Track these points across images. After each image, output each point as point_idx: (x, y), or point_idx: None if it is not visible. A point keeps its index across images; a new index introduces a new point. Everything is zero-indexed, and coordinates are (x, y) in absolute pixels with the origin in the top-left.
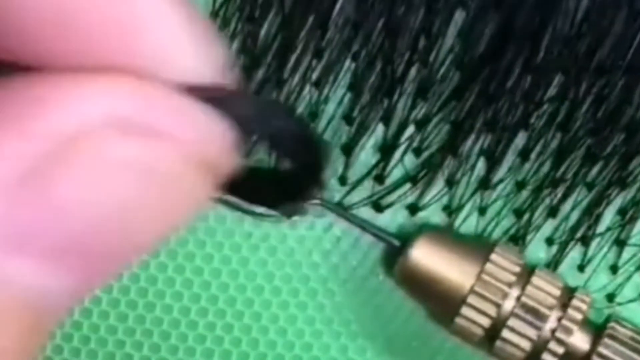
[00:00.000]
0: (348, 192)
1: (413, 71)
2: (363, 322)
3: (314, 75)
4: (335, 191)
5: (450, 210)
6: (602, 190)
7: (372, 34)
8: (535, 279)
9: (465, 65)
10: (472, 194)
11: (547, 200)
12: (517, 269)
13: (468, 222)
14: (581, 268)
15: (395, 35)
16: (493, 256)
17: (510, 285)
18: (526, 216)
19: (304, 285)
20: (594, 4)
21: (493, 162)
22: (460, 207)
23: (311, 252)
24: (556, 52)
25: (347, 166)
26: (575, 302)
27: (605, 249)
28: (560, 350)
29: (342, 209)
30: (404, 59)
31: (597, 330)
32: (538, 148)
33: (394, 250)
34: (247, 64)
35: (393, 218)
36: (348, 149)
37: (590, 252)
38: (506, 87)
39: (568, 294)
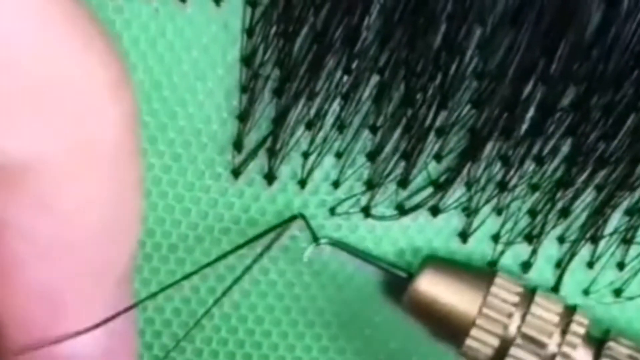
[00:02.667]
0: (373, 196)
1: (434, 83)
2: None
3: (343, 89)
4: (360, 195)
5: (469, 212)
6: (610, 193)
7: (396, 49)
8: (534, 307)
9: (484, 76)
10: (490, 197)
11: (559, 202)
12: (517, 299)
13: (485, 224)
14: (590, 265)
15: (418, 50)
16: (493, 288)
17: (510, 315)
18: (540, 216)
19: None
20: (606, 17)
21: (510, 166)
22: (478, 209)
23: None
24: (569, 63)
25: (372, 172)
26: (573, 325)
27: (613, 247)
28: None
29: (349, 246)
30: (426, 72)
31: (598, 347)
32: (551, 153)
33: (400, 281)
34: (281, 77)
35: (414, 218)
36: (373, 156)
37: (599, 250)
38: (522, 96)
39: (568, 316)
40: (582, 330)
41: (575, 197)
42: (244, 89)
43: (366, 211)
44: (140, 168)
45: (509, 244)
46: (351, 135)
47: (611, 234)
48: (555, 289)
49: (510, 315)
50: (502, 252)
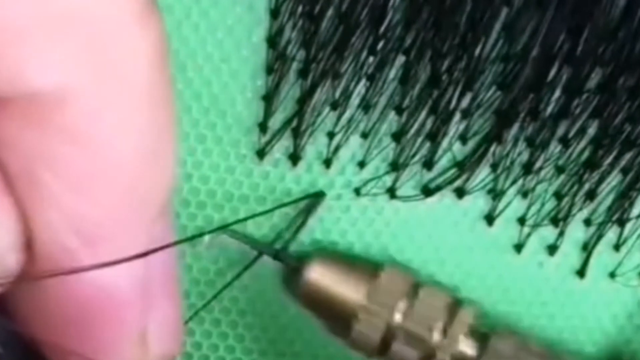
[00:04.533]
0: (398, 177)
1: (460, 64)
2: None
3: (369, 70)
4: (386, 176)
5: (495, 194)
6: (637, 175)
7: (422, 30)
8: (422, 294)
9: (509, 58)
10: (516, 179)
11: (586, 184)
12: (405, 287)
13: (511, 207)
14: (617, 247)
15: (443, 31)
16: (382, 275)
17: (397, 302)
18: (566, 199)
19: None
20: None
21: (535, 148)
22: (504, 192)
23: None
24: (595, 45)
25: (397, 153)
26: (460, 314)
27: (639, 230)
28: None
29: (243, 236)
30: (451, 53)
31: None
32: (578, 135)
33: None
34: (306, 58)
35: (440, 200)
36: (398, 137)
37: (625, 233)
38: (548, 78)
39: (454, 307)
40: (466, 321)
41: (601, 180)
42: (269, 69)
43: (392, 192)
44: (172, 95)
45: (535, 226)
46: (377, 116)
47: (638, 217)
48: (582, 272)
49: (396, 303)
50: (528, 235)
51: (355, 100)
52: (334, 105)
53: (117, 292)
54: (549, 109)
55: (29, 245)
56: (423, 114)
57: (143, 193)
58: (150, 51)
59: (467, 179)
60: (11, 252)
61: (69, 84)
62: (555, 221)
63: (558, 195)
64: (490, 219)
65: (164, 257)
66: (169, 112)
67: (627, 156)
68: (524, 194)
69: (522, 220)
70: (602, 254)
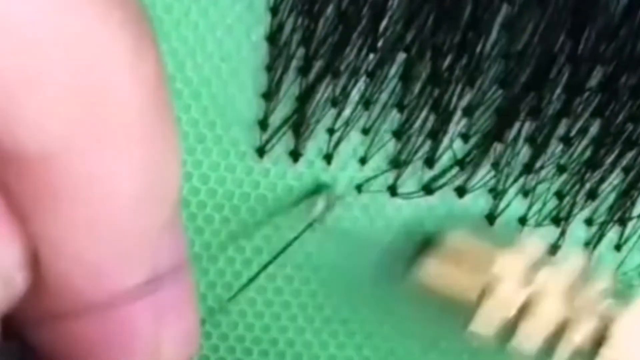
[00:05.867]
0: (399, 175)
1: (461, 62)
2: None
3: (369, 67)
4: (387, 174)
5: (496, 193)
6: (638, 174)
7: (422, 28)
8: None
9: (510, 56)
10: (517, 178)
11: (587, 184)
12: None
13: (512, 206)
14: (618, 247)
15: (444, 28)
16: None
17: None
18: (567, 198)
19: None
20: None
21: (536, 147)
22: (505, 190)
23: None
24: (597, 43)
25: (398, 151)
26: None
27: None
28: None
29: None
30: (452, 51)
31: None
32: (579, 134)
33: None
34: (306, 56)
35: (442, 199)
36: (399, 135)
37: (627, 232)
38: (549, 77)
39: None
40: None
41: (603, 179)
42: (268, 67)
43: (393, 190)
44: (172, 124)
45: (536, 226)
46: (377, 113)
47: (639, 216)
48: None
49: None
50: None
51: (355, 97)
52: (334, 103)
53: (129, 319)
54: (551, 108)
55: (35, 262)
56: (424, 111)
57: (147, 221)
58: (143, 94)
59: (468, 178)
60: (18, 272)
61: (55, 142)
62: (556, 221)
63: (559, 195)
64: (491, 218)
65: (175, 274)
66: (167, 144)
67: (629, 155)
68: (525, 193)
69: (523, 220)
70: (604, 254)
